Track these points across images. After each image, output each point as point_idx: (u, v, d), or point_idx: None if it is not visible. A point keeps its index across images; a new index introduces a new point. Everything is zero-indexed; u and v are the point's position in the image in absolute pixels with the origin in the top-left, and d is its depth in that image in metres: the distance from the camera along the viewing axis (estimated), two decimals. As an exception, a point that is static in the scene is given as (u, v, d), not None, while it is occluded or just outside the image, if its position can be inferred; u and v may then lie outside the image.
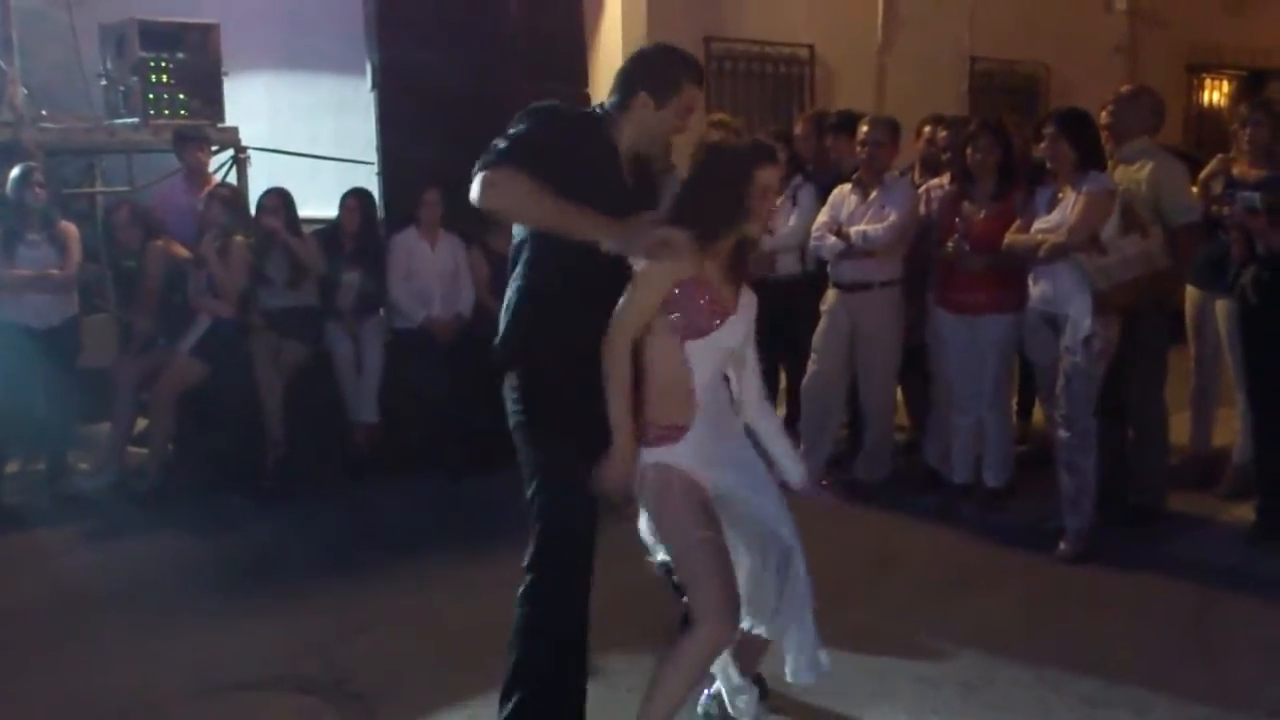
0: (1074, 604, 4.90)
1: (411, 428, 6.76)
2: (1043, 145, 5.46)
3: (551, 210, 3.23)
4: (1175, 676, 4.16)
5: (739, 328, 3.37)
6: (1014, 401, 6.89)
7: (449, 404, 6.58)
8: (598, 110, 3.59)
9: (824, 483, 3.87)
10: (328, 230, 7.04)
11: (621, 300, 3.27)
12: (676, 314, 3.26)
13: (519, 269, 3.53)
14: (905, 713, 3.94)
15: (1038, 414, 6.72)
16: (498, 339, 3.61)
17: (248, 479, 6.42)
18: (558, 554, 3.52)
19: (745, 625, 3.46)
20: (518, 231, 3.55)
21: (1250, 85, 14.12)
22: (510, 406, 3.61)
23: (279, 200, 6.74)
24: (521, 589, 3.57)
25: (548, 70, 7.40)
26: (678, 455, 3.34)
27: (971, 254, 5.69)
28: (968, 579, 5.12)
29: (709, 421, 3.36)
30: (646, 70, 3.52)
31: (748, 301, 3.41)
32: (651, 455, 3.35)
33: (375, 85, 7.18)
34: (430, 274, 6.93)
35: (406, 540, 5.73)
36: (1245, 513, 5.69)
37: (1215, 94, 14.50)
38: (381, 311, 7.06)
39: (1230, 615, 4.76)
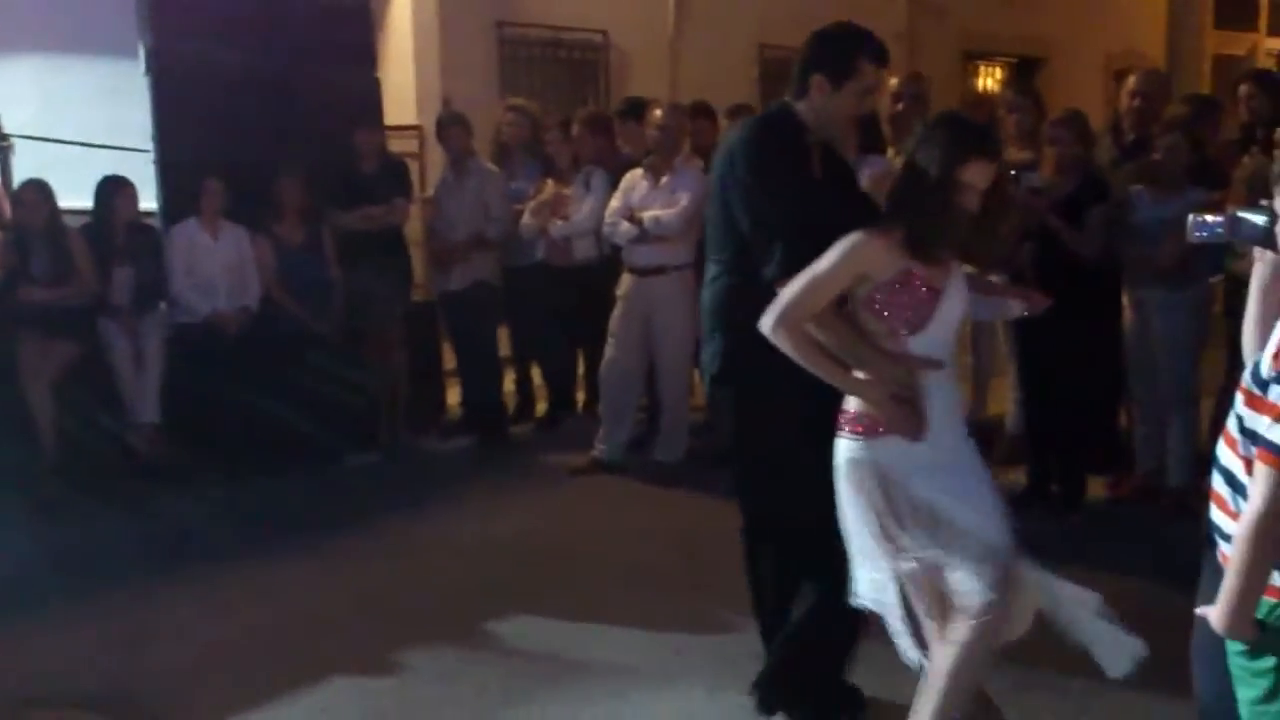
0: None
1: (196, 427, 6.52)
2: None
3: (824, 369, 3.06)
4: (954, 637, 4.34)
5: (952, 312, 3.09)
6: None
7: (236, 401, 6.37)
8: (787, 107, 3.43)
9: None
10: (96, 222, 6.72)
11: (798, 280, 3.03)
12: (887, 314, 3.03)
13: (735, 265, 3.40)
14: (703, 688, 4.02)
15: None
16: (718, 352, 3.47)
17: (19, 487, 6.09)
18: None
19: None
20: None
21: (1020, 72, 14.82)
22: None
23: (37, 193, 6.41)
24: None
25: (333, 53, 7.24)
26: (877, 452, 3.05)
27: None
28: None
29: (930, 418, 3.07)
30: (821, 50, 3.37)
31: (957, 278, 3.11)
32: (853, 449, 3.07)
33: (149, 70, 6.90)
34: (213, 266, 6.70)
35: (192, 544, 5.56)
36: (1018, 477, 5.98)
37: (989, 80, 15.15)
38: (162, 306, 6.79)
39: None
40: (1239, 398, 2.36)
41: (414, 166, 8.49)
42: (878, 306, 3.04)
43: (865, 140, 5.40)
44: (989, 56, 15.02)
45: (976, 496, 3.13)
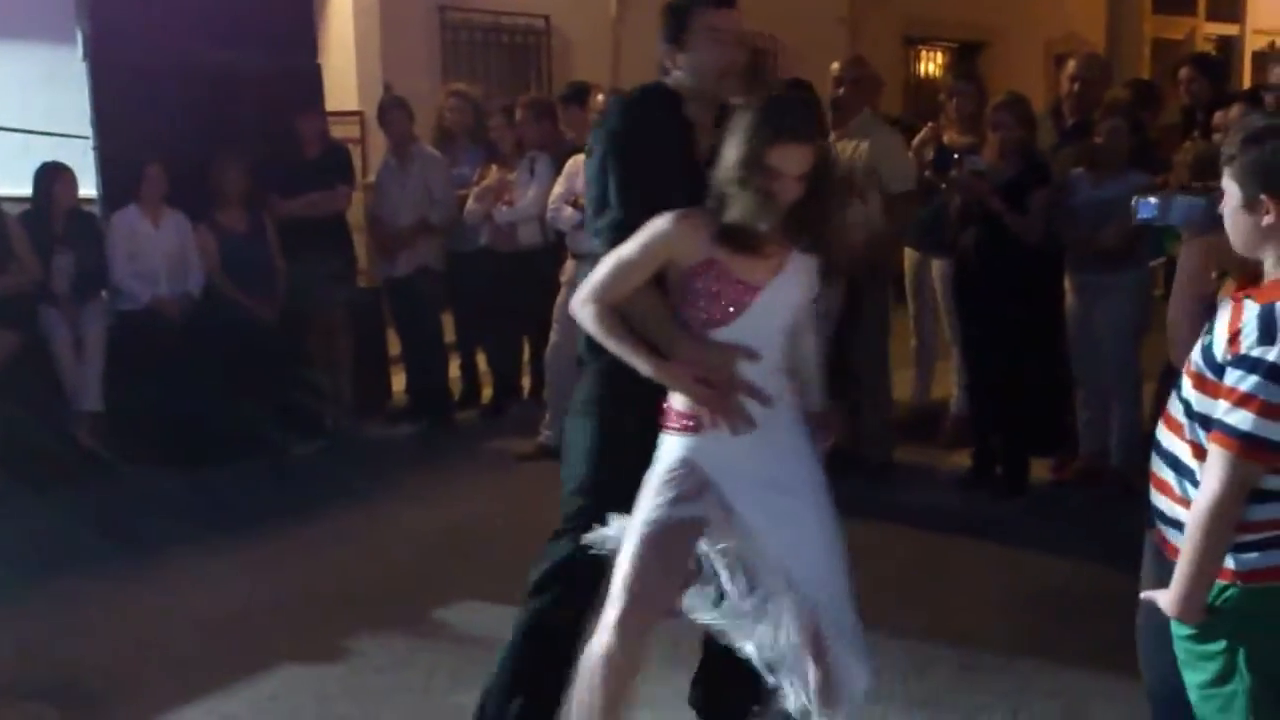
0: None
1: (139, 415, 6.43)
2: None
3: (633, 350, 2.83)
4: (900, 617, 4.37)
5: (770, 309, 2.84)
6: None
7: (179, 389, 6.29)
8: (662, 83, 3.19)
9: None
10: (35, 210, 6.61)
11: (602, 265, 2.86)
12: (698, 302, 2.81)
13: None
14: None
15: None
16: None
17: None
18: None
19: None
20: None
21: (962, 57, 14.94)
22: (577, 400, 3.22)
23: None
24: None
25: (274, 39, 7.15)
26: (697, 450, 2.83)
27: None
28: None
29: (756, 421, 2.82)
30: (661, 22, 3.16)
31: (787, 275, 2.85)
32: (674, 444, 2.85)
33: (87, 55, 6.78)
34: (155, 253, 6.61)
35: (136, 534, 5.46)
36: (963, 459, 6.06)
37: (931, 65, 15.26)
38: (104, 294, 6.70)
39: (948, 557, 5.08)
40: (1185, 381, 2.37)
41: (356, 152, 8.43)
42: (685, 293, 2.84)
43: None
44: (930, 41, 15.14)
45: (809, 537, 2.88)
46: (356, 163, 7.99)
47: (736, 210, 2.74)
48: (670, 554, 2.83)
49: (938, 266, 6.40)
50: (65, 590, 4.85)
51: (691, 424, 2.82)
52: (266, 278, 6.86)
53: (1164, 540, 2.47)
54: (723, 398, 2.78)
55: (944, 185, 5.83)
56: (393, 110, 7.31)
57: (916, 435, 6.56)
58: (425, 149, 7.33)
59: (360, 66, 9.69)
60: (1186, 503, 2.35)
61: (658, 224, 2.80)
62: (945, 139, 6.14)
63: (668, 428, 2.87)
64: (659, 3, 3.24)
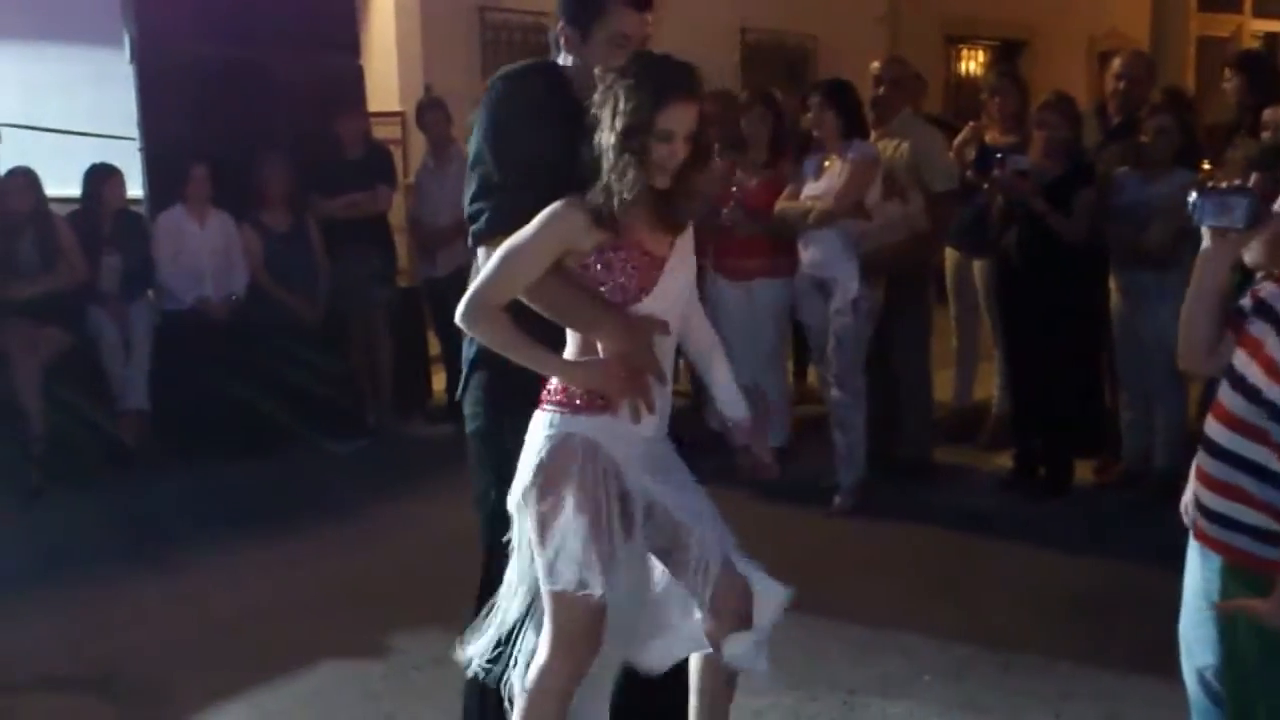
0: (848, 555, 5.11)
1: (183, 414, 6.52)
2: (809, 115, 5.63)
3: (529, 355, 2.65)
4: (940, 619, 4.38)
5: (676, 281, 2.68)
6: (790, 364, 7.13)
7: (222, 388, 6.37)
8: (551, 62, 2.91)
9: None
10: (84, 210, 6.70)
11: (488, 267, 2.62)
12: (604, 285, 2.61)
13: None
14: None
15: (813, 375, 6.95)
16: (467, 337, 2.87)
17: (6, 475, 6.08)
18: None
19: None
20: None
21: (1003, 55, 14.82)
22: (470, 409, 3.05)
23: (24, 181, 6.39)
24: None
25: (317, 40, 7.23)
26: (602, 430, 2.62)
27: (746, 220, 5.84)
28: (748, 536, 5.22)
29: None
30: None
31: (683, 244, 2.70)
32: (568, 424, 2.62)
33: (134, 58, 6.88)
34: (200, 253, 6.69)
35: (176, 529, 5.55)
36: (1004, 461, 6.02)
37: (972, 64, 15.16)
38: (150, 293, 6.78)
39: (988, 558, 5.04)
40: (1262, 380, 2.32)
41: (397, 152, 8.47)
42: (589, 277, 2.61)
43: (849, 125, 5.42)
44: (971, 40, 15.03)
45: (690, 490, 2.76)
46: (398, 163, 8.03)
47: (631, 180, 2.50)
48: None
49: (979, 266, 6.37)
50: (107, 584, 4.90)
51: (601, 402, 2.61)
52: (309, 278, 6.92)
53: (1226, 546, 2.42)
54: (639, 381, 2.60)
55: (986, 185, 5.79)
56: (430, 111, 7.34)
57: (957, 436, 6.54)
58: (464, 149, 7.31)
59: (401, 67, 9.74)
60: (1270, 509, 2.30)
61: (553, 212, 2.57)
62: (987, 138, 6.10)
63: (565, 409, 2.62)
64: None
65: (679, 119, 2.54)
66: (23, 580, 4.96)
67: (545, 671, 2.68)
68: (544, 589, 2.66)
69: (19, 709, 3.95)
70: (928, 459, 6.09)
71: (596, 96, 2.57)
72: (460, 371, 3.17)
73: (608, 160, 2.53)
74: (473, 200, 2.84)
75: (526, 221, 2.58)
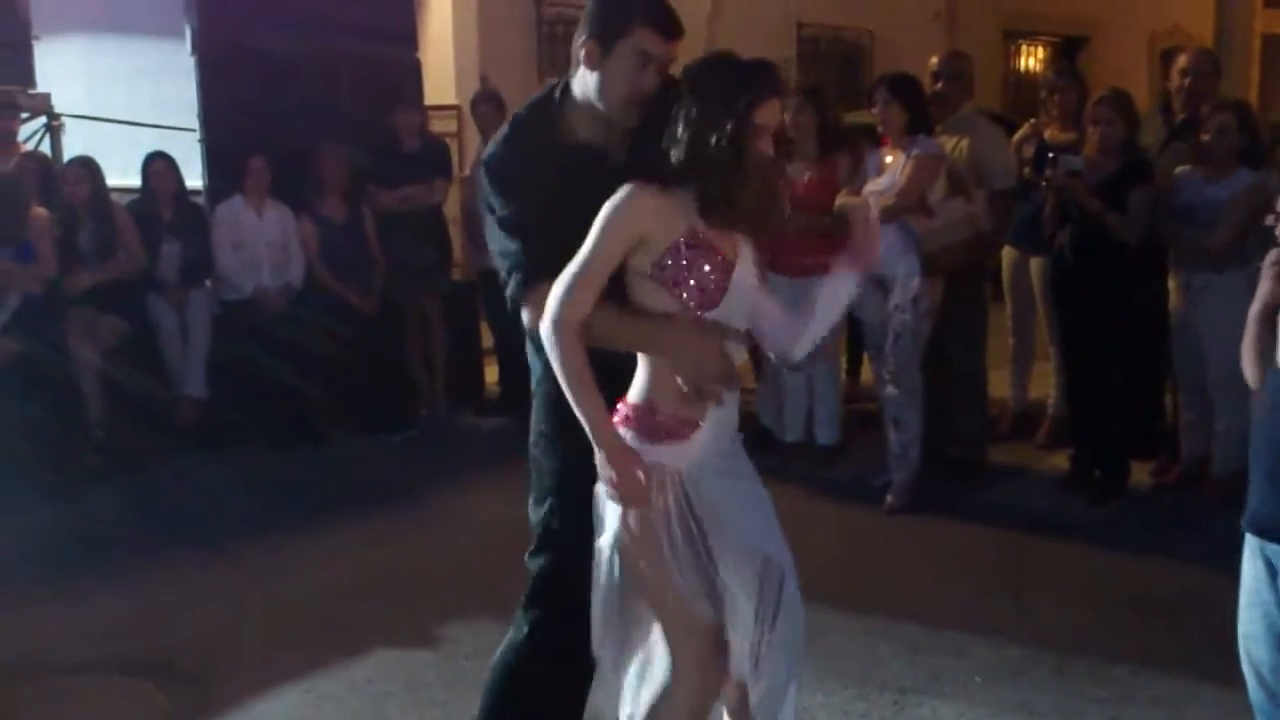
0: (900, 554, 5.08)
1: (240, 401, 6.60)
2: (874, 109, 5.59)
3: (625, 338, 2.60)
4: (993, 619, 4.35)
5: (748, 277, 2.64)
6: (842, 360, 7.10)
7: (278, 377, 6.44)
8: (546, 101, 2.88)
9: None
10: (143, 199, 6.80)
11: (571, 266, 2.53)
12: (681, 288, 2.55)
13: None
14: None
15: (866, 372, 6.91)
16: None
17: (69, 458, 6.19)
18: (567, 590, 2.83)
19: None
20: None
21: (1063, 51, 14.67)
22: (535, 414, 2.99)
23: (84, 170, 6.50)
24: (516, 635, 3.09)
25: (375, 33, 7.28)
26: (682, 458, 2.59)
27: (798, 215, 5.81)
28: (800, 534, 5.19)
29: (720, 415, 2.63)
30: (593, 10, 2.78)
31: (745, 248, 2.66)
32: (650, 453, 2.57)
33: (195, 50, 6.96)
34: (258, 243, 6.76)
35: (232, 516, 5.60)
36: (1060, 461, 5.96)
37: (1031, 60, 15.02)
38: (208, 283, 6.87)
39: (1043, 559, 4.99)
40: None
41: (453, 146, 8.51)
42: (667, 277, 2.54)
43: (914, 120, 5.38)
44: (1031, 35, 14.90)
45: (758, 503, 2.76)
46: (453, 156, 8.07)
47: (726, 176, 2.49)
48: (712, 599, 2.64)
49: (1036, 265, 6.30)
50: (162, 568, 4.97)
51: (677, 428, 2.58)
52: (364, 269, 6.98)
53: None
54: (714, 397, 2.57)
55: (1042, 184, 5.73)
56: (483, 104, 7.35)
57: (1013, 435, 6.48)
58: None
59: (458, 61, 9.79)
60: None
61: (625, 197, 2.51)
62: (1046, 135, 6.03)
63: (646, 437, 2.58)
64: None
65: (769, 115, 2.55)
66: (80, 563, 5.04)
67: (672, 702, 2.70)
68: (660, 626, 2.68)
69: (76, 689, 4.01)
70: (982, 458, 6.04)
71: (684, 91, 2.55)
72: (512, 364, 3.18)
73: (710, 151, 2.49)
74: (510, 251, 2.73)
75: (558, 262, 2.52)
